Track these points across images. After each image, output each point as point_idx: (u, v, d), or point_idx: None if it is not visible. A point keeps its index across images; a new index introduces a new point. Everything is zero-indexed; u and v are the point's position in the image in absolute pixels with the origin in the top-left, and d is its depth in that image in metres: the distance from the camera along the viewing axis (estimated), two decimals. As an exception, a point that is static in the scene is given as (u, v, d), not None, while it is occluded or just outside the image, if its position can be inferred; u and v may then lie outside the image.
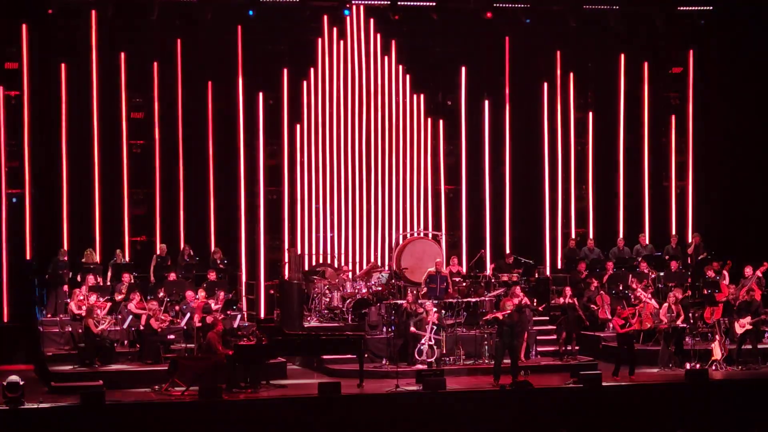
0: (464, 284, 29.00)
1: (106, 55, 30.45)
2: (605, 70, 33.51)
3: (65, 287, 28.39)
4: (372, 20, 31.94)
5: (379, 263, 31.19)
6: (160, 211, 30.96)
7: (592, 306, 28.10)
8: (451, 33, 32.33)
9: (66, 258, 28.78)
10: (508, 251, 31.41)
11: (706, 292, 28.75)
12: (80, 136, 30.40)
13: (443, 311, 27.28)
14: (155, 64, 30.83)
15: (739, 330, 26.58)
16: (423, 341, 25.82)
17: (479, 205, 32.91)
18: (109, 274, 28.81)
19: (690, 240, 32.12)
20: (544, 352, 27.50)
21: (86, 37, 30.31)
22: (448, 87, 32.87)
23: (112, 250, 29.66)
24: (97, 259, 29.39)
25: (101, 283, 28.14)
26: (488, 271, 30.33)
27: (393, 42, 32.14)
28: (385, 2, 31.77)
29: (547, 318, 29.04)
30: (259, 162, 31.44)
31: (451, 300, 27.81)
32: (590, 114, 33.50)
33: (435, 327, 26.08)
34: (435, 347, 25.94)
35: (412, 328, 26.12)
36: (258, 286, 30.74)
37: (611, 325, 27.21)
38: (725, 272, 29.22)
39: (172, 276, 28.38)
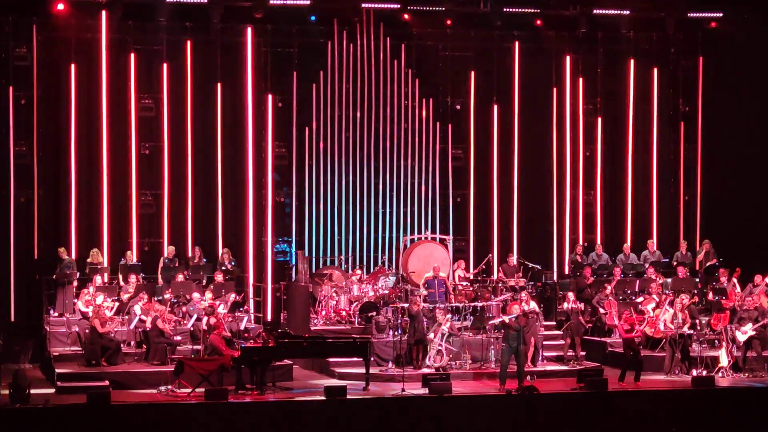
0: (471, 289, 29.01)
1: (116, 56, 30.50)
2: (614, 76, 33.49)
3: (72, 287, 28.47)
4: (382, 24, 31.97)
5: (387, 267, 31.18)
6: (168, 213, 31.00)
7: (600, 311, 28.11)
8: (461, 37, 32.34)
9: (64, 257, 28.81)
10: (510, 254, 31.35)
11: (713, 298, 28.73)
12: (89, 136, 30.46)
13: (449, 315, 27.30)
14: (165, 65, 30.88)
15: (741, 338, 26.55)
16: (433, 346, 25.87)
17: (487, 209, 32.90)
18: (120, 275, 28.89)
19: (700, 246, 32.09)
20: (550, 357, 27.48)
21: (96, 38, 30.36)
22: (457, 91, 32.86)
23: (119, 250, 29.72)
24: (103, 259, 29.43)
25: (108, 284, 28.20)
26: (495, 276, 30.34)
27: (402, 46, 32.17)
28: (396, 6, 31.80)
29: (554, 323, 29.09)
30: (268, 164, 31.46)
31: (457, 304, 27.84)
32: (599, 120, 33.48)
33: (445, 334, 26.10)
34: (444, 353, 25.96)
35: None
36: (265, 288, 30.74)
37: (617, 331, 27.21)
38: (735, 279, 29.20)
39: (180, 277, 28.43)
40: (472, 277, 29.94)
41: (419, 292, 28.25)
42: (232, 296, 27.61)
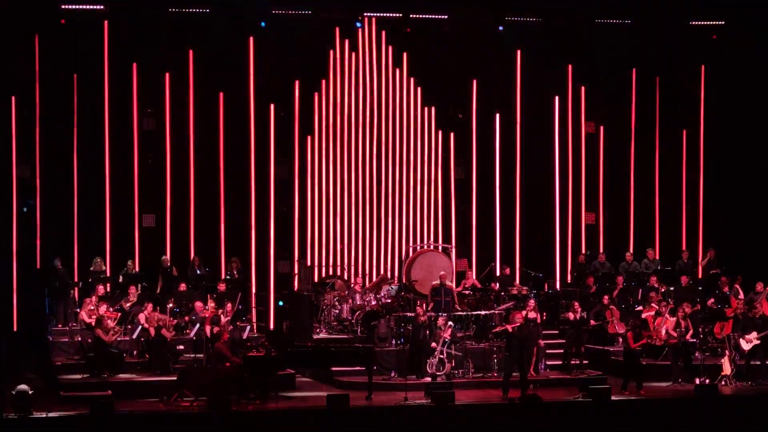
0: (474, 297, 29.00)
1: (118, 66, 30.50)
2: (617, 84, 33.46)
3: (71, 296, 28.49)
4: (384, 33, 32.01)
5: (389, 275, 31.18)
6: (170, 222, 30.99)
7: (600, 321, 28.10)
8: (463, 46, 32.35)
9: (59, 266, 28.81)
10: (505, 265, 31.28)
11: (715, 306, 28.70)
12: (91, 146, 30.45)
13: (450, 323, 27.27)
14: (167, 75, 30.89)
15: (745, 346, 26.53)
16: (435, 354, 25.89)
17: (489, 218, 32.89)
18: (121, 284, 28.89)
19: (705, 255, 32.07)
20: (552, 365, 27.47)
21: (98, 48, 30.38)
22: (460, 100, 32.87)
23: (121, 260, 29.72)
24: (105, 268, 29.43)
25: (109, 293, 28.20)
26: (497, 285, 30.34)
27: (405, 55, 32.20)
28: (398, 15, 31.84)
29: (557, 332, 29.06)
30: (270, 173, 31.47)
31: (460, 313, 27.84)
32: (601, 128, 33.47)
33: (447, 341, 26.11)
34: (446, 361, 25.96)
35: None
36: (268, 297, 30.73)
37: (621, 340, 27.17)
38: (738, 287, 29.17)
39: (182, 287, 28.43)
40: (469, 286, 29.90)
41: (421, 302, 28.23)
42: (231, 305, 27.59)
